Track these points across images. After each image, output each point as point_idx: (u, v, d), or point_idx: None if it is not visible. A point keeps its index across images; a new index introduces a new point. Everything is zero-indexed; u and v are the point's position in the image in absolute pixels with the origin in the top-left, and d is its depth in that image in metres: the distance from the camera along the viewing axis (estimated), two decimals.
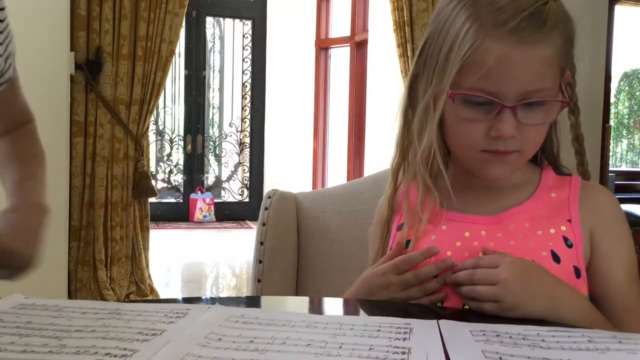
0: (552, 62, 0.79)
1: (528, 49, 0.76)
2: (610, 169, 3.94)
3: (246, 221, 6.52)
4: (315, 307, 0.86)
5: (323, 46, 5.81)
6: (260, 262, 1.22)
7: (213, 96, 6.76)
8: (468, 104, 0.79)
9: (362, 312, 0.83)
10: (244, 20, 6.65)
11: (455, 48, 0.79)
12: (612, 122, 4.55)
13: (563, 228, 0.83)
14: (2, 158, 1.08)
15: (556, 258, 0.81)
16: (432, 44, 0.84)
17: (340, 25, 5.65)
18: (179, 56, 6.31)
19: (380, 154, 4.35)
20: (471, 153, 0.82)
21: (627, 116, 5.50)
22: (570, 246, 0.82)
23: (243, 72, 6.71)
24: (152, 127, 5.54)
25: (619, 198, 0.92)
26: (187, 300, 0.76)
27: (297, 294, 1.25)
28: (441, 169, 0.84)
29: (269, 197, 1.25)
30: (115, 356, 0.53)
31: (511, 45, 0.76)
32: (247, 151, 6.76)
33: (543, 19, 0.77)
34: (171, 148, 6.60)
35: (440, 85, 0.81)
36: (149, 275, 3.53)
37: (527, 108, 0.79)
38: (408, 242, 0.87)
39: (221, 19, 6.67)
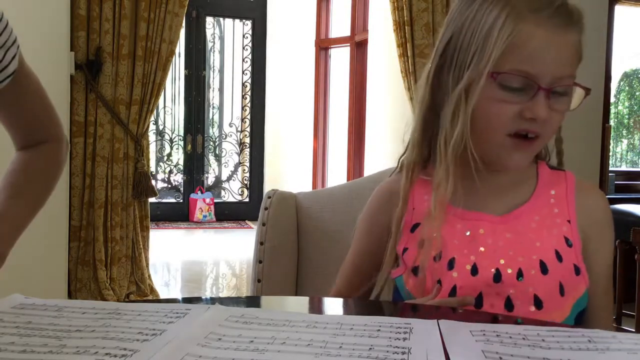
0: (578, 50, 0.84)
1: (564, 33, 0.82)
2: (610, 169, 3.94)
3: (246, 221, 6.52)
4: (315, 307, 0.86)
5: (323, 46, 5.80)
6: (260, 262, 1.22)
7: (213, 96, 6.76)
8: (503, 87, 0.83)
9: (362, 312, 0.83)
10: (244, 20, 6.65)
11: (495, 34, 0.82)
12: (612, 122, 4.55)
13: (564, 228, 0.87)
14: (5, 176, 1.02)
15: (559, 257, 0.85)
16: (460, 39, 0.85)
17: (340, 25, 5.64)
18: (179, 56, 6.31)
19: (380, 154, 4.34)
20: (496, 137, 0.84)
21: (627, 116, 5.49)
22: (570, 246, 0.86)
23: (243, 72, 6.71)
24: (152, 127, 5.53)
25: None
26: (187, 300, 0.76)
27: (297, 294, 1.25)
28: (474, 156, 0.85)
29: (269, 197, 1.25)
30: (115, 356, 0.53)
31: (551, 29, 0.81)
32: (247, 151, 6.77)
33: (570, 10, 0.84)
34: (171, 148, 6.60)
35: (477, 69, 0.83)
36: (149, 275, 3.53)
37: (557, 94, 0.83)
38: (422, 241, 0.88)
39: (221, 19, 6.67)
